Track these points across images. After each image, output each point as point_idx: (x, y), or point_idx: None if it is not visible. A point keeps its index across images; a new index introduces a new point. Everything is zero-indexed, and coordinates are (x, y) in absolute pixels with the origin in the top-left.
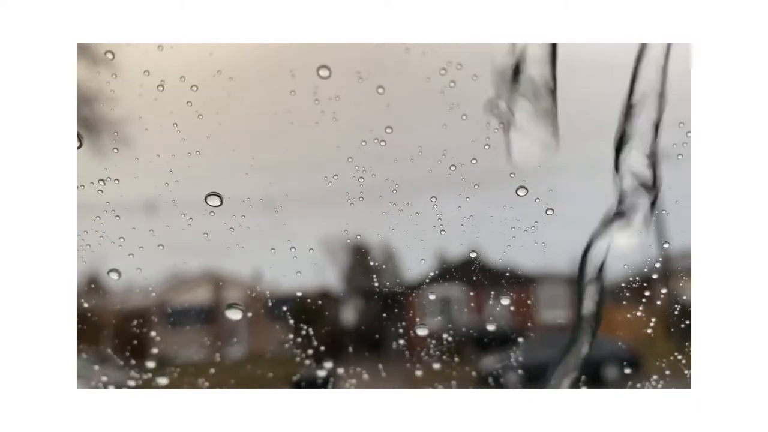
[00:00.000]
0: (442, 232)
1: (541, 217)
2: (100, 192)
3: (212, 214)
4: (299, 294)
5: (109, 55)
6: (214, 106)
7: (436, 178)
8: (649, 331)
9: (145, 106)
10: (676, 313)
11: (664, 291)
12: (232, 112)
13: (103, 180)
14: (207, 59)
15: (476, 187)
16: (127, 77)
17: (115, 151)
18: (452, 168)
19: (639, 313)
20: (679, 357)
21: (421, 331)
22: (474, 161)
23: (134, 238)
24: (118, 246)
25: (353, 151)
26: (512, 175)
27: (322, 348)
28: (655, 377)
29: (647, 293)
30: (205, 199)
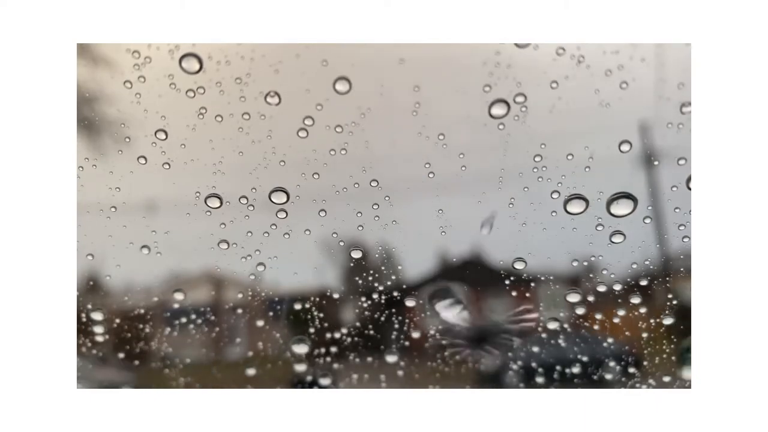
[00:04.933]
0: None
1: None
2: (100, 192)
3: (209, 214)
4: (298, 294)
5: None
6: (214, 107)
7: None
8: (647, 331)
9: (146, 107)
10: (674, 313)
11: (661, 291)
12: (233, 112)
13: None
14: (208, 59)
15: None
16: (126, 77)
17: (120, 152)
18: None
19: (637, 314)
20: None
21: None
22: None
23: (134, 239)
24: (118, 246)
25: (354, 152)
26: None
27: (322, 348)
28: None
29: (645, 293)
30: (205, 200)
